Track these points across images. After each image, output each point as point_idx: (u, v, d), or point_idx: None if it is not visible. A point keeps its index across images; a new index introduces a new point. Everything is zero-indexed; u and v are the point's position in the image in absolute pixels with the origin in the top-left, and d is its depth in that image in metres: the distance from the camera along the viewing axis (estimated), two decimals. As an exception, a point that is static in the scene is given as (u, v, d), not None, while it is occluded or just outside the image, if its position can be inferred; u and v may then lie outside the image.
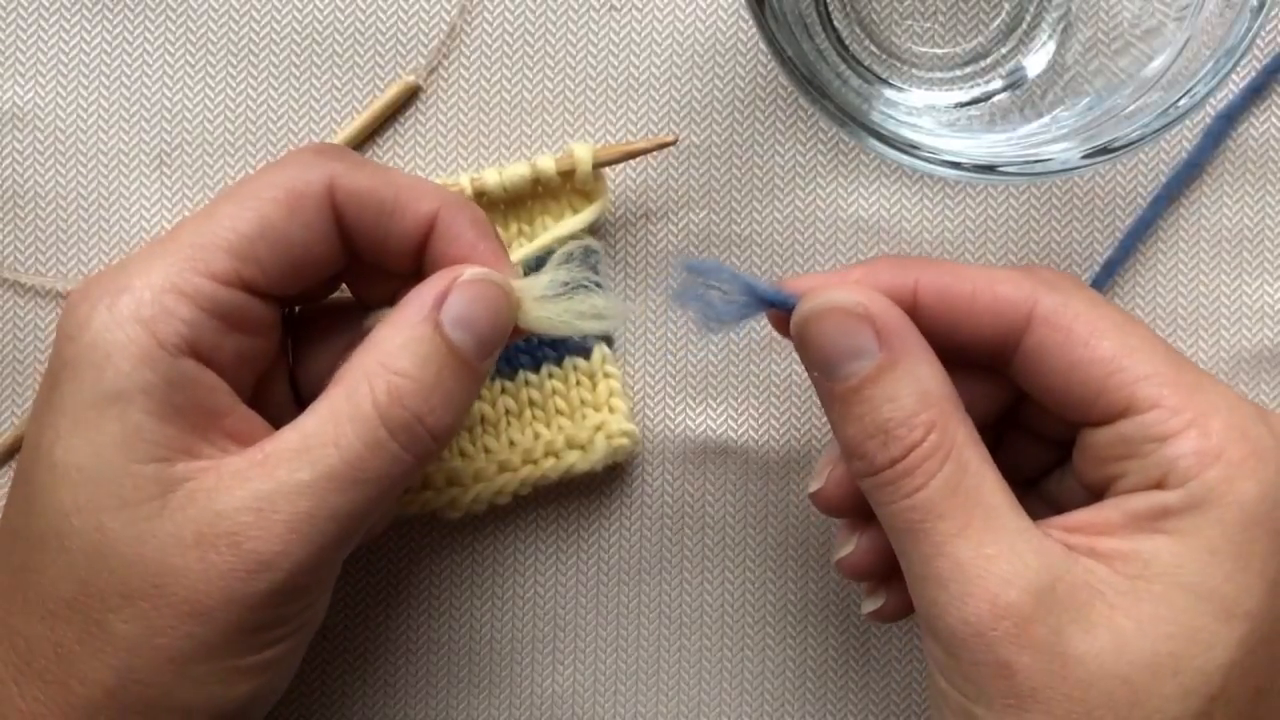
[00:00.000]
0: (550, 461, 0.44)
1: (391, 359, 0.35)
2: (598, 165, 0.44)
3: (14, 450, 0.45)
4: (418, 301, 0.36)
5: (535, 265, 0.41)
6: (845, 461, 0.36)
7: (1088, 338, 0.35)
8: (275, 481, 0.34)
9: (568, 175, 0.44)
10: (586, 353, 0.45)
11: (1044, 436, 0.39)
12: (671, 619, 0.46)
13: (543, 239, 0.44)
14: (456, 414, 0.36)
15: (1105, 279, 0.46)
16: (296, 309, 0.40)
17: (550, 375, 0.45)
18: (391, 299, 0.38)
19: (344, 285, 0.41)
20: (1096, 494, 0.36)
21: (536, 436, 0.45)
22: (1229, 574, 0.33)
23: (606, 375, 0.45)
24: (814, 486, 0.39)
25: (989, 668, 0.33)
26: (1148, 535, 0.34)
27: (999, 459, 0.36)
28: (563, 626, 0.46)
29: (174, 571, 0.34)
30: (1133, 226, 0.46)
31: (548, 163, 0.44)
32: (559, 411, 0.45)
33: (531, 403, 0.45)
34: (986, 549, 0.33)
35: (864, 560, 0.39)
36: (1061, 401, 0.36)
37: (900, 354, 0.35)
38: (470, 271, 0.36)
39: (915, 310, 0.36)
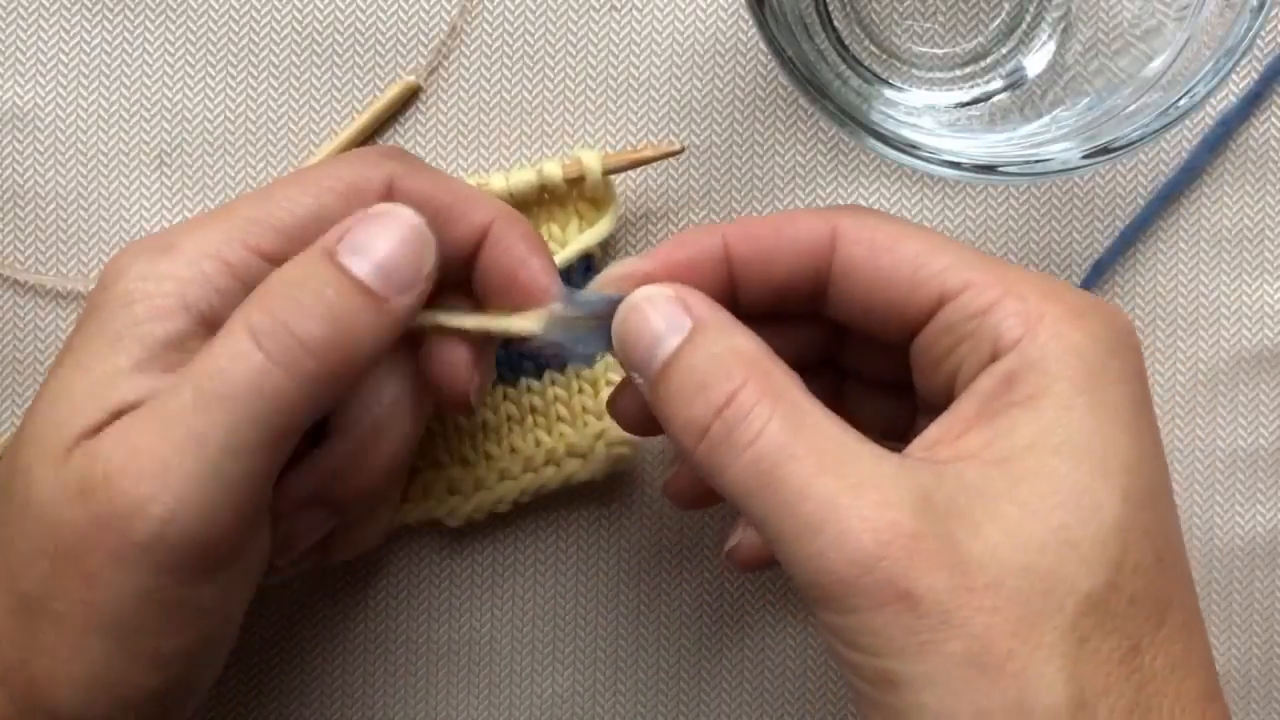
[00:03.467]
0: (551, 470, 0.44)
1: (274, 281, 0.34)
2: (606, 173, 0.44)
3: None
4: (322, 238, 0.35)
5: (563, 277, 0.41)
6: (680, 451, 0.34)
7: (890, 244, 0.35)
8: (150, 416, 0.32)
9: (574, 182, 0.44)
10: (590, 361, 0.45)
11: (888, 390, 0.38)
12: (671, 624, 0.46)
13: (560, 255, 0.43)
14: (343, 335, 0.33)
15: (1094, 279, 0.46)
16: None
17: (553, 382, 0.45)
18: (434, 299, 0.37)
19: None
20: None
21: (538, 443, 0.45)
22: (1092, 428, 0.31)
23: (609, 383, 0.44)
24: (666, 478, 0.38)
25: (891, 606, 0.30)
26: (1002, 413, 0.32)
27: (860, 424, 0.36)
28: (563, 629, 0.46)
29: (63, 525, 0.32)
30: (1125, 229, 0.46)
31: (555, 169, 0.43)
32: (560, 419, 0.45)
33: (533, 409, 0.45)
34: (850, 480, 0.31)
35: (752, 549, 0.38)
36: (881, 316, 0.35)
37: (710, 322, 0.34)
38: (380, 206, 0.35)
39: (729, 263, 0.36)
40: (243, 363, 0.32)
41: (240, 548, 0.34)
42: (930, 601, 0.30)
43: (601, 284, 0.36)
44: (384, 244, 0.34)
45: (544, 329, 0.37)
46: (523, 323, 0.37)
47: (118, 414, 0.33)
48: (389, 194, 0.36)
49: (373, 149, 0.38)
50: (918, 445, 0.33)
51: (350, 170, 0.36)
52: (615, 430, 0.44)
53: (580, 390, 0.45)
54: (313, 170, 0.37)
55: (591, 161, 0.43)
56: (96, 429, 0.33)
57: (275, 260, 0.35)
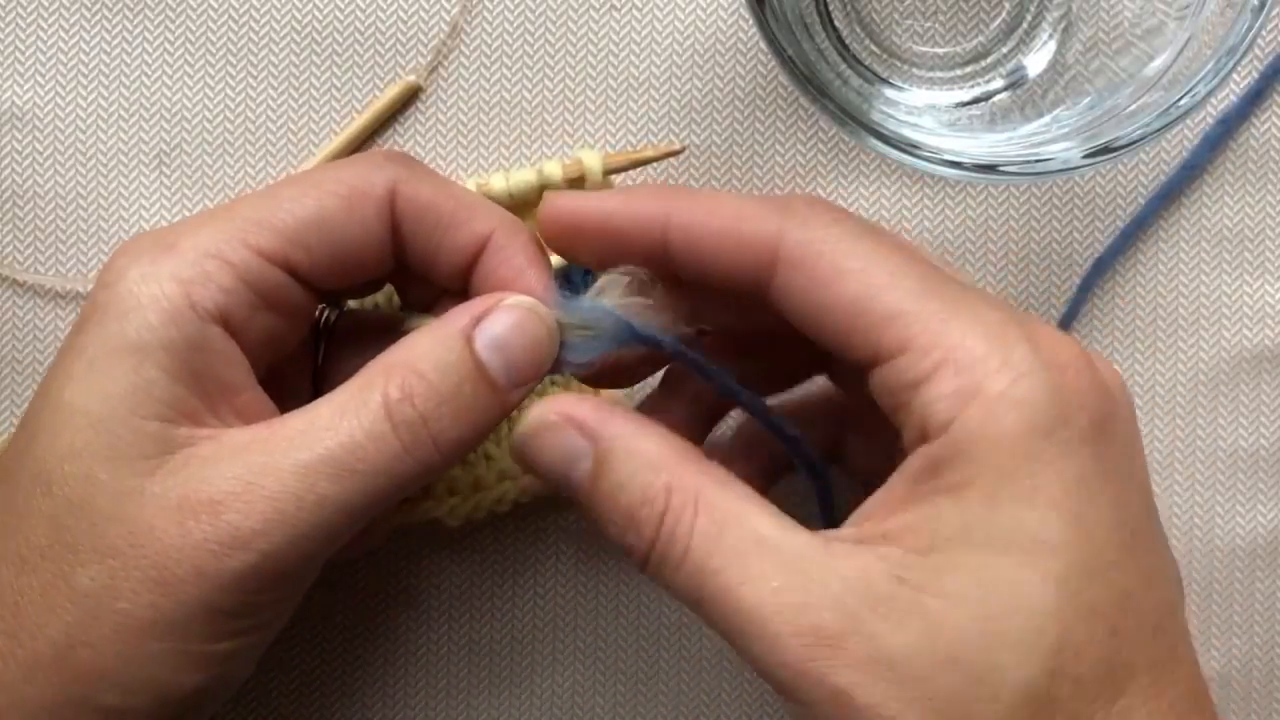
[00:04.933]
0: (529, 478, 0.44)
1: (414, 359, 0.34)
2: (607, 173, 0.44)
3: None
4: (456, 315, 0.35)
5: (563, 279, 0.41)
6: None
7: (830, 279, 0.33)
8: (268, 457, 0.33)
9: (575, 182, 0.44)
10: (585, 367, 0.44)
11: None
12: (671, 624, 0.46)
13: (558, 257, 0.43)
14: (468, 431, 0.35)
15: (1095, 277, 0.46)
16: (334, 318, 0.40)
17: (553, 383, 0.45)
18: (433, 306, 0.38)
19: (390, 291, 0.41)
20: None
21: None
22: (1019, 516, 0.30)
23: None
24: None
25: (829, 702, 0.30)
26: (929, 499, 0.31)
27: (851, 459, 0.36)
28: (563, 629, 0.46)
29: (150, 533, 0.33)
30: (1125, 228, 0.46)
31: (555, 170, 0.43)
32: None
33: None
34: (772, 583, 0.31)
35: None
36: (823, 343, 0.34)
37: (611, 438, 0.34)
38: (516, 298, 0.35)
39: (665, 249, 0.35)
40: (379, 445, 0.33)
41: (301, 587, 0.36)
42: (862, 699, 0.30)
43: (547, 211, 0.36)
44: (520, 344, 0.35)
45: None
46: None
47: (174, 425, 0.34)
48: (391, 199, 0.36)
49: (377, 153, 0.38)
50: (853, 517, 0.33)
51: (353, 174, 0.36)
52: None
53: (580, 392, 0.45)
54: (315, 172, 0.37)
55: (592, 162, 0.43)
56: (161, 444, 0.33)
57: (275, 260, 0.35)
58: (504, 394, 0.35)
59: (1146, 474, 0.34)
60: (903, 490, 0.32)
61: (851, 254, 0.33)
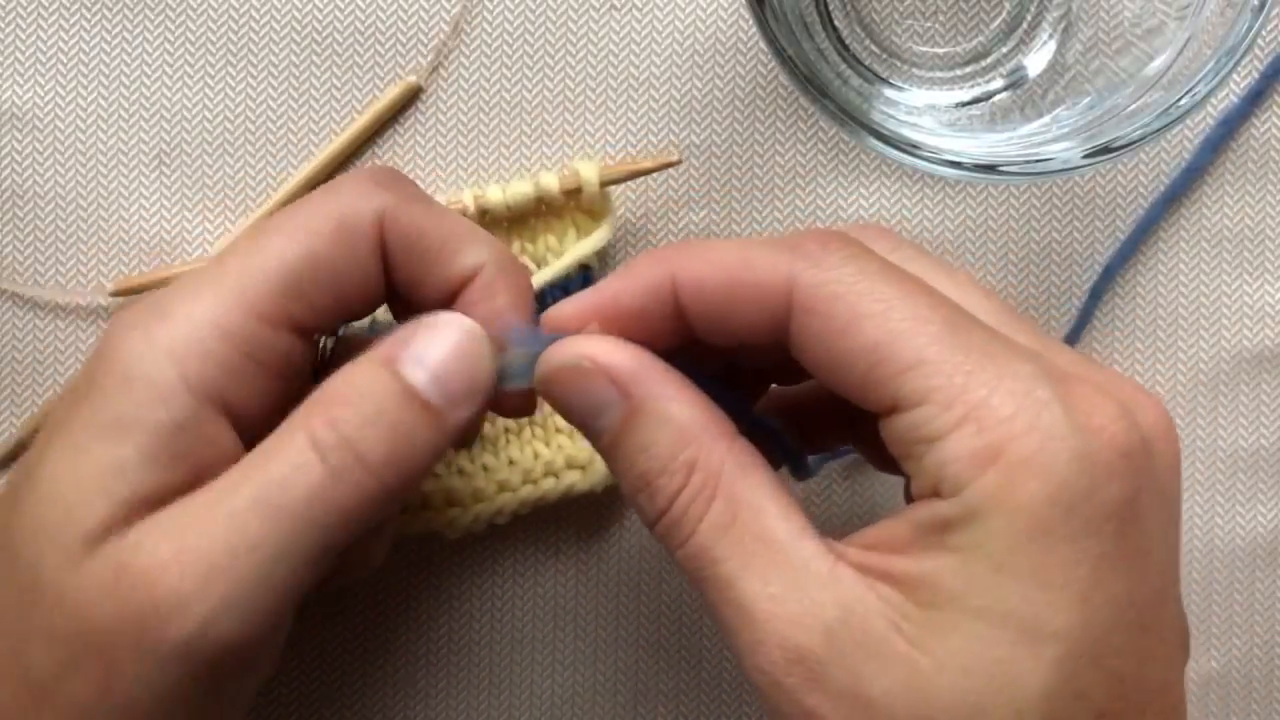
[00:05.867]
0: (550, 481, 0.44)
1: (338, 389, 0.33)
2: (603, 184, 0.43)
3: (11, 457, 0.45)
4: (378, 344, 0.34)
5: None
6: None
7: (847, 324, 0.31)
8: (201, 512, 0.31)
9: (571, 193, 0.44)
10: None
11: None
12: (671, 638, 0.46)
13: (556, 266, 0.43)
14: (401, 449, 0.33)
15: (1104, 284, 0.46)
16: (330, 346, 0.39)
17: None
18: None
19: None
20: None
21: (536, 455, 0.44)
22: (1024, 594, 0.29)
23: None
24: None
25: (798, 717, 0.30)
26: (933, 554, 0.30)
27: (866, 441, 0.34)
28: (562, 641, 0.46)
29: (89, 616, 0.31)
30: (1133, 233, 0.46)
31: (552, 181, 0.43)
32: (559, 430, 0.44)
33: (531, 421, 0.44)
34: (771, 588, 0.30)
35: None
36: (838, 389, 0.32)
37: (643, 397, 0.32)
38: (442, 316, 0.34)
39: (681, 308, 0.33)
40: (305, 475, 0.32)
41: (268, 653, 0.34)
42: None
43: (547, 325, 0.34)
44: (449, 358, 0.33)
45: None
46: None
47: (132, 506, 0.32)
48: (380, 229, 0.35)
49: (365, 175, 0.36)
50: (859, 539, 0.31)
51: (340, 206, 0.35)
52: None
53: None
54: (301, 210, 0.35)
55: (588, 173, 0.43)
56: (113, 522, 0.32)
57: (276, 323, 0.34)
58: (439, 413, 0.33)
59: (1178, 530, 0.32)
60: (907, 534, 0.30)
61: (870, 295, 0.31)
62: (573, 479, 0.44)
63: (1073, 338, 0.46)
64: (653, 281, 0.33)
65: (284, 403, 0.34)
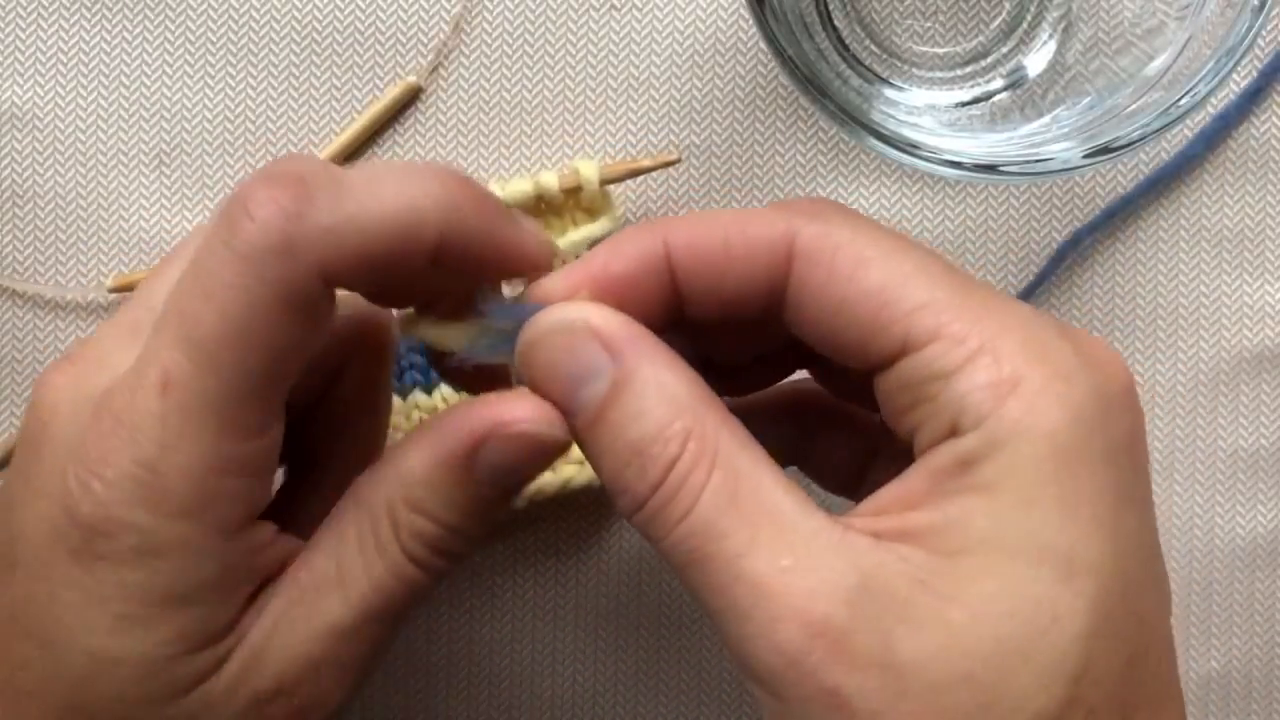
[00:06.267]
0: (547, 475, 0.44)
1: (416, 496, 0.31)
2: (603, 183, 0.43)
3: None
4: (453, 435, 0.31)
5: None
6: (614, 503, 0.31)
7: (852, 270, 0.30)
8: (317, 622, 0.31)
9: (571, 192, 0.44)
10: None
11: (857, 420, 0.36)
12: (671, 626, 0.46)
13: (563, 241, 0.43)
14: (476, 544, 0.33)
15: (1070, 248, 0.45)
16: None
17: (444, 400, 0.44)
18: (408, 300, 0.34)
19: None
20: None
21: None
22: (1058, 525, 0.28)
23: None
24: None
25: (819, 700, 0.27)
26: (956, 497, 0.28)
27: (818, 459, 0.34)
28: (561, 636, 0.46)
29: None
30: (1109, 206, 0.46)
31: (551, 180, 0.43)
32: None
33: None
34: (782, 561, 0.28)
35: None
36: (839, 347, 0.31)
37: (636, 362, 0.30)
38: (513, 411, 0.31)
39: (673, 274, 0.31)
40: (413, 585, 0.32)
41: None
42: (859, 702, 0.27)
43: (533, 295, 0.32)
44: (523, 473, 0.32)
45: (468, 346, 0.33)
46: (445, 336, 0.33)
47: (219, 655, 0.31)
48: (323, 286, 0.30)
49: (266, 206, 0.29)
50: (867, 507, 0.30)
51: (267, 286, 0.29)
52: None
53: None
54: (223, 299, 0.29)
55: (588, 172, 0.43)
56: (206, 670, 0.31)
57: (264, 428, 0.31)
58: (505, 499, 0.32)
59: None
60: (924, 486, 0.29)
61: (872, 245, 0.30)
62: (570, 472, 0.44)
63: (1026, 294, 0.46)
64: (645, 248, 0.31)
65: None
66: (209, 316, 0.29)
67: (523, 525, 0.46)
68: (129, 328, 0.32)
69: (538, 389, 0.31)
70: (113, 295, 0.45)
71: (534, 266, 0.32)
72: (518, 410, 0.31)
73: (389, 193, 0.30)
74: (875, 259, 0.30)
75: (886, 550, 0.28)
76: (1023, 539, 0.28)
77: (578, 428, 0.31)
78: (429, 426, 0.32)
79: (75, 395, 0.31)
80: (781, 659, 0.28)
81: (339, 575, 0.32)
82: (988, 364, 0.29)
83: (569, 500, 0.45)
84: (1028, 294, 0.46)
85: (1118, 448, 0.29)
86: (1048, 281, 0.46)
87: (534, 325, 0.31)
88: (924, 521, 0.29)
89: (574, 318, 0.30)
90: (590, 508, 0.46)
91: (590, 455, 0.31)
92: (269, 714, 0.31)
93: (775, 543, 0.28)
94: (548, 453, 0.31)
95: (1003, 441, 0.28)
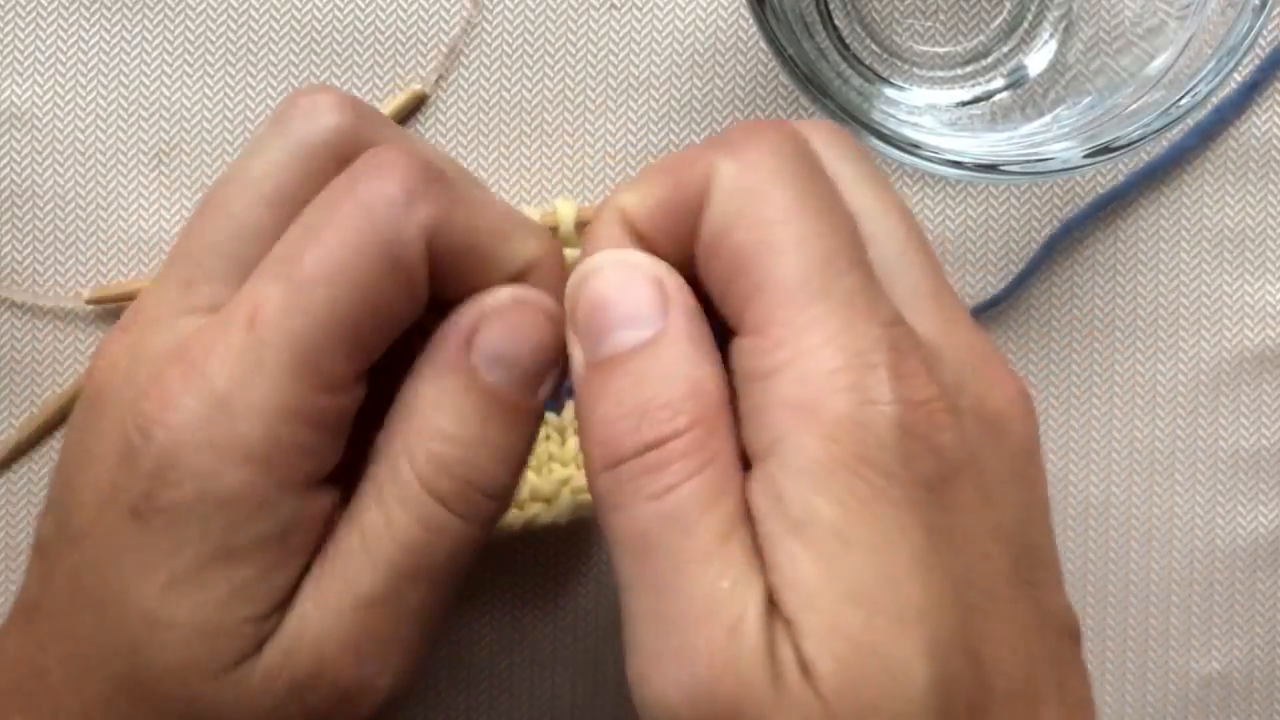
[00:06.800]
0: (513, 512, 0.43)
1: (427, 422, 0.30)
2: (580, 225, 0.43)
3: (11, 459, 0.45)
4: (443, 345, 0.30)
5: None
6: (584, 453, 0.29)
7: (731, 222, 0.28)
8: (338, 595, 0.30)
9: (552, 230, 0.43)
10: (558, 408, 0.44)
11: None
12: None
13: None
14: (512, 465, 0.31)
15: (1062, 236, 0.45)
16: None
17: (546, 437, 0.44)
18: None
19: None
20: None
21: None
22: (877, 569, 0.26)
23: (577, 432, 0.43)
24: None
25: None
26: (781, 545, 0.27)
27: None
28: (562, 630, 0.46)
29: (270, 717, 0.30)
30: (1098, 198, 0.45)
31: (534, 216, 0.43)
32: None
33: None
34: (724, 583, 0.26)
35: None
36: (718, 304, 0.29)
37: (684, 331, 0.28)
38: (497, 296, 0.30)
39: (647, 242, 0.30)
40: (443, 531, 0.30)
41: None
42: None
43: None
44: (526, 347, 0.30)
45: None
46: None
47: (270, 618, 0.30)
48: (428, 245, 0.30)
49: (397, 175, 0.29)
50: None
51: (378, 231, 0.29)
52: (580, 478, 0.43)
53: (547, 438, 0.43)
54: (334, 240, 0.29)
55: (566, 212, 0.43)
56: (259, 638, 0.30)
57: (338, 387, 0.29)
58: (529, 406, 0.31)
59: (1039, 511, 0.30)
60: (758, 518, 0.27)
61: (766, 201, 0.28)
62: (536, 510, 0.43)
63: (1016, 285, 0.46)
64: (613, 233, 0.30)
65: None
66: (313, 252, 0.29)
67: (526, 530, 0.46)
68: (178, 284, 0.31)
69: (575, 316, 0.29)
70: (90, 304, 0.45)
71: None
72: (501, 293, 0.30)
73: (502, 209, 0.31)
74: (757, 224, 0.28)
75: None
76: (851, 589, 0.26)
77: (595, 360, 0.29)
78: (426, 350, 0.31)
79: (133, 357, 0.31)
80: (681, 692, 0.26)
81: (362, 539, 0.30)
82: (793, 381, 0.27)
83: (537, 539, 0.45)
84: (1017, 284, 0.46)
85: (925, 486, 0.27)
86: (1039, 274, 0.46)
87: (594, 259, 0.29)
88: (777, 580, 0.27)
89: (637, 260, 0.29)
90: (592, 511, 0.46)
91: (588, 395, 0.29)
92: (312, 705, 0.30)
93: (725, 566, 0.27)
94: (542, 328, 0.30)
95: (800, 472, 0.26)
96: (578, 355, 0.29)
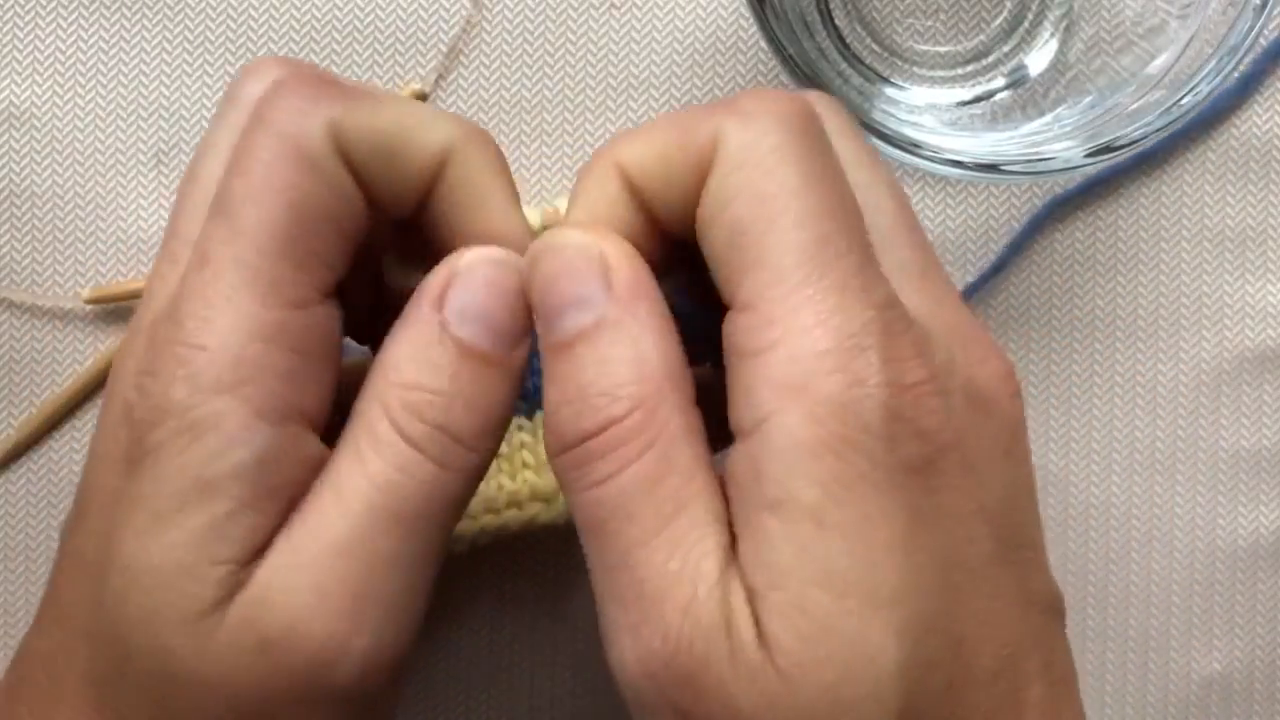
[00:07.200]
0: (512, 512, 0.43)
1: (399, 373, 0.30)
2: None
3: (10, 459, 0.45)
4: (417, 303, 0.31)
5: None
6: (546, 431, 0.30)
7: (735, 193, 0.28)
8: (312, 543, 0.29)
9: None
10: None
11: None
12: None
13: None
14: (486, 416, 0.30)
15: (1045, 214, 0.45)
16: None
17: (520, 428, 0.44)
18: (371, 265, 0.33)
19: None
20: None
21: (500, 488, 0.44)
22: (853, 551, 0.26)
23: None
24: None
25: (663, 714, 0.27)
26: (757, 521, 0.27)
27: None
28: (562, 630, 0.46)
29: (245, 685, 0.28)
30: (1085, 182, 0.45)
31: (535, 216, 0.43)
32: (525, 465, 0.44)
33: (498, 455, 0.44)
34: (672, 564, 0.27)
35: None
36: (715, 274, 0.29)
37: (627, 314, 0.28)
38: (469, 256, 0.31)
39: (644, 207, 0.30)
40: (416, 476, 0.29)
41: (412, 654, 0.32)
42: None
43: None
44: (497, 303, 0.30)
45: None
46: None
47: (243, 563, 0.29)
48: (335, 144, 0.30)
49: (285, 85, 0.30)
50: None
51: (282, 140, 0.30)
52: None
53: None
54: (245, 164, 0.30)
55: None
56: (231, 585, 0.29)
57: (309, 300, 0.30)
58: (504, 361, 0.31)
59: (1025, 490, 0.30)
60: (733, 496, 0.28)
61: (770, 174, 0.28)
62: (535, 510, 0.43)
63: (1000, 264, 0.46)
64: (606, 186, 0.30)
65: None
66: (237, 181, 0.29)
67: (526, 530, 0.46)
68: (168, 261, 0.31)
69: (530, 292, 0.30)
70: (89, 304, 0.45)
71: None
72: (473, 253, 0.31)
73: (407, 103, 0.31)
74: (760, 197, 0.28)
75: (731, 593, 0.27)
76: (825, 570, 0.26)
77: (546, 344, 0.30)
78: (405, 310, 0.31)
79: (131, 331, 0.31)
80: (640, 668, 0.27)
81: (335, 486, 0.29)
82: (781, 360, 0.27)
83: (533, 540, 0.45)
84: (1001, 264, 0.46)
85: (908, 469, 0.27)
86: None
87: (555, 234, 0.30)
88: (746, 551, 0.27)
89: (591, 243, 0.29)
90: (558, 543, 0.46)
91: (545, 377, 0.30)
92: (283, 665, 0.29)
93: (676, 545, 0.27)
94: (514, 286, 0.30)
95: (783, 451, 0.27)
96: (542, 334, 0.30)
